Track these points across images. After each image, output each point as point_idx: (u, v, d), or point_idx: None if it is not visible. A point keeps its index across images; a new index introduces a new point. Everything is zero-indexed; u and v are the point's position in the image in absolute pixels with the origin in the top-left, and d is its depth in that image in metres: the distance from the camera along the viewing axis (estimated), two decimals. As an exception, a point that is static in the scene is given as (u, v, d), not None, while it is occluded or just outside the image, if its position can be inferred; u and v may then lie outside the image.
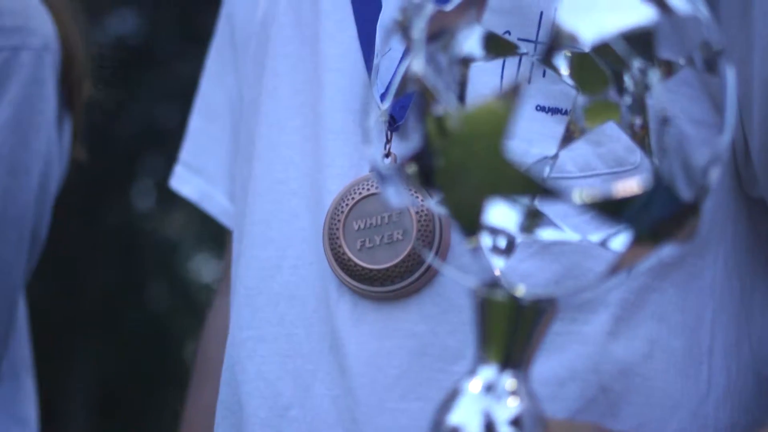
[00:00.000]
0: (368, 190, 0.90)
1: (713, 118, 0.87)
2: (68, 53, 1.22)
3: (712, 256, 0.90)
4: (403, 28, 0.67)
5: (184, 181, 1.21)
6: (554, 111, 0.86)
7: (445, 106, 0.62)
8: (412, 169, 0.66)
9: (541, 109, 0.87)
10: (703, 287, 0.90)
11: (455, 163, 0.63)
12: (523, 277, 0.84)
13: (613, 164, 0.86)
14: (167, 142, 3.42)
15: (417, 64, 0.61)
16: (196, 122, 1.22)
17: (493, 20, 0.82)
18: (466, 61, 0.69)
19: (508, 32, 0.87)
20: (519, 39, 0.86)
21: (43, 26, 1.19)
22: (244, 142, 1.04)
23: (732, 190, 0.91)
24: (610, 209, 0.63)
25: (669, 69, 0.70)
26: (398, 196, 0.67)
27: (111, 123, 3.13)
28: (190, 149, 1.22)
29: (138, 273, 3.40)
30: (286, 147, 0.97)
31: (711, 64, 0.69)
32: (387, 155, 0.90)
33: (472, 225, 0.65)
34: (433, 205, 0.66)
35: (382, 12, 0.93)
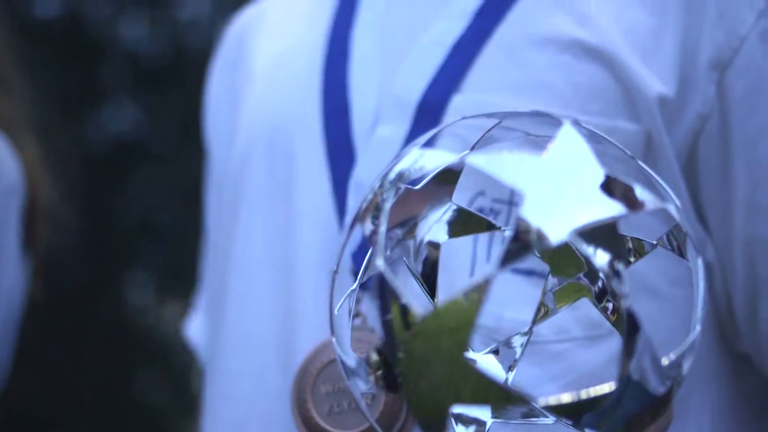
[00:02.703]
0: (337, 353, 0.87)
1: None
2: (33, 200, 1.22)
3: (694, 418, 0.87)
4: (375, 207, 0.65)
5: (194, 325, 1.18)
6: (530, 273, 0.84)
7: (408, 301, 0.60)
8: (375, 359, 0.64)
9: (515, 271, 0.84)
10: None
11: (419, 357, 0.61)
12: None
13: (588, 328, 0.84)
14: (164, 238, 3.41)
15: (379, 261, 0.59)
16: (205, 263, 1.18)
17: (466, 181, 0.81)
18: (435, 244, 0.67)
19: (482, 193, 0.85)
20: (493, 200, 0.84)
21: (12, 172, 1.19)
22: (214, 292, 1.02)
23: (715, 346, 0.89)
24: (579, 409, 0.61)
25: (639, 251, 0.69)
26: (364, 387, 0.65)
27: (106, 219, 3.12)
28: (200, 291, 1.18)
29: (133, 367, 3.38)
30: (256, 301, 0.95)
31: (682, 249, 0.67)
32: (356, 315, 0.88)
33: (434, 420, 0.63)
34: (399, 396, 0.64)
35: (356, 167, 0.92)
